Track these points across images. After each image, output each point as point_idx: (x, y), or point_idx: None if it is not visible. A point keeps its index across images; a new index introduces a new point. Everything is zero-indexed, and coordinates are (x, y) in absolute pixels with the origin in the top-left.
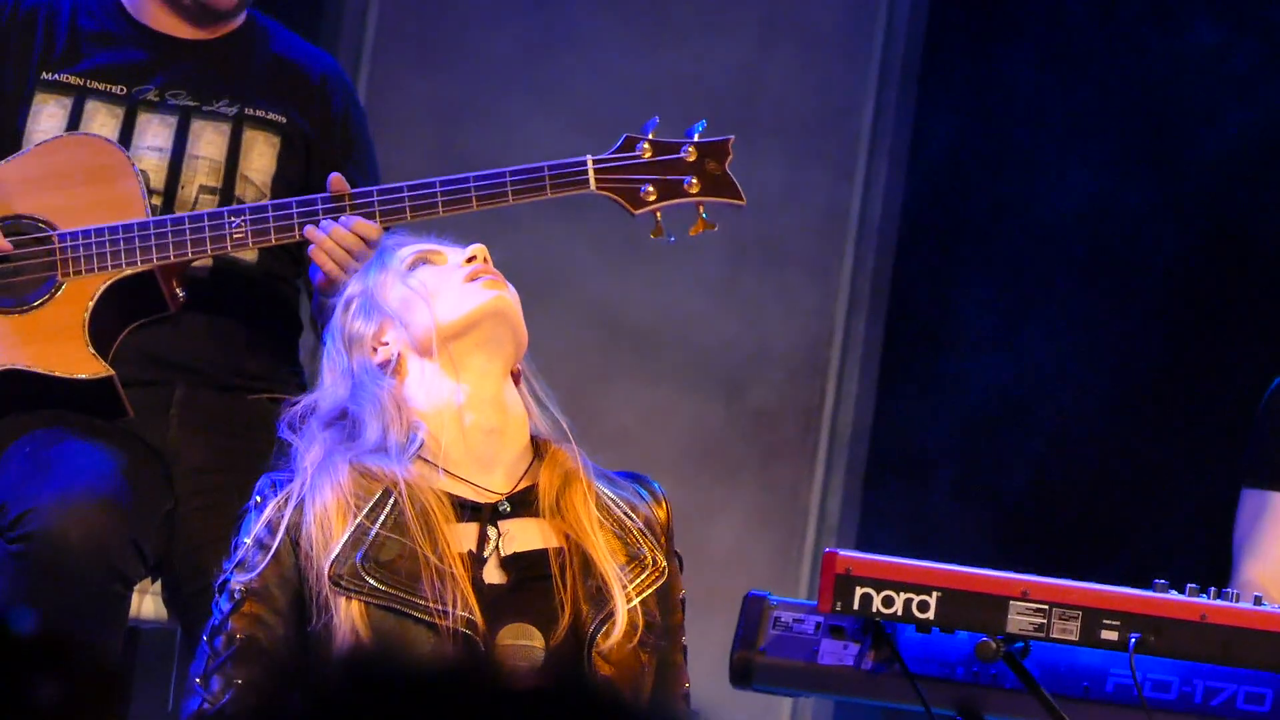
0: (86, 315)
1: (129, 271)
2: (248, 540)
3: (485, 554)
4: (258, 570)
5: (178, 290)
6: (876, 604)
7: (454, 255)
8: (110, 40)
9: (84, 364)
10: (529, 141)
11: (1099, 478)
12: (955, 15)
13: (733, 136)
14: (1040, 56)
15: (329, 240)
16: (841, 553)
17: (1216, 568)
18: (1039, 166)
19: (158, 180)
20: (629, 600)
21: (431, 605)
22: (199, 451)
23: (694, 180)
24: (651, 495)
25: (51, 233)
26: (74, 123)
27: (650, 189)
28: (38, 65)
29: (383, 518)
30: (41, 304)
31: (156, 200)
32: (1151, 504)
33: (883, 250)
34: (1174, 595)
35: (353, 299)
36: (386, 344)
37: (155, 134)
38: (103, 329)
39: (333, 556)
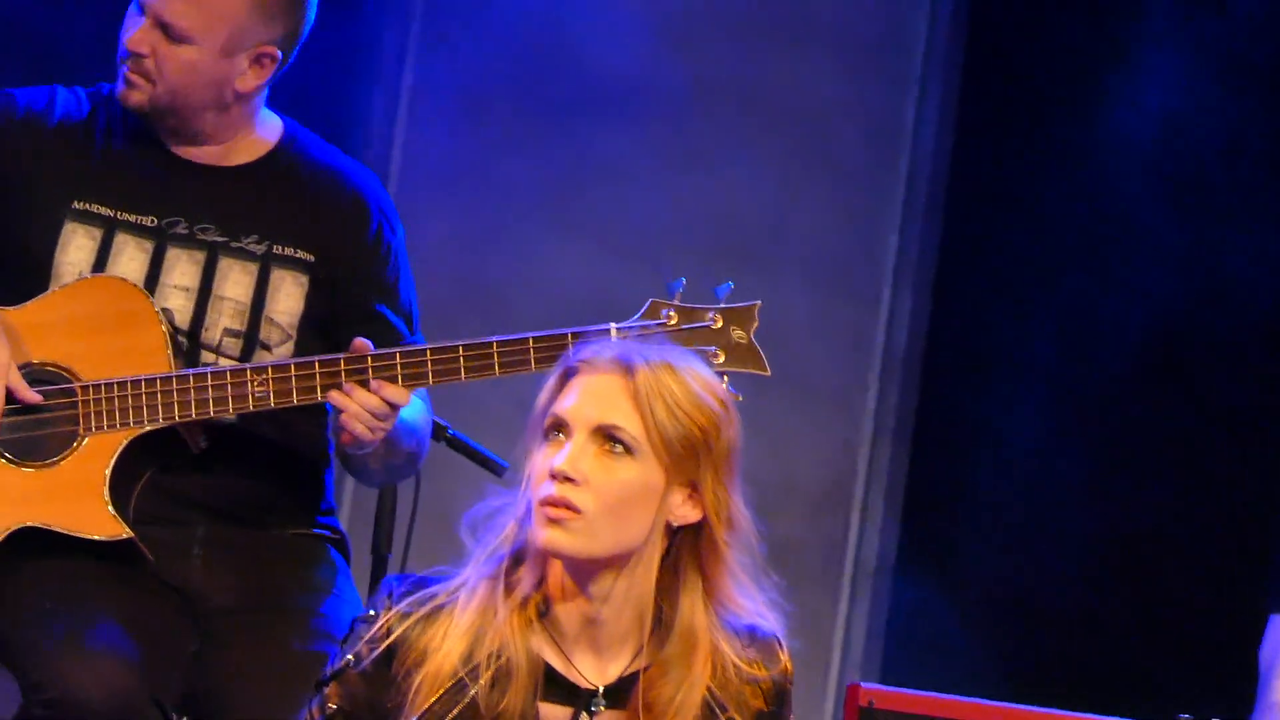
0: (108, 472)
1: (151, 428)
2: (351, 655)
3: None
4: (352, 686)
5: (200, 440)
6: None
7: (575, 435)
8: (141, 165)
9: (104, 525)
10: (553, 270)
11: (1128, 609)
12: (979, 146)
13: (759, 302)
14: (1065, 188)
15: (354, 404)
16: (865, 685)
17: (1241, 703)
18: (1063, 294)
19: (183, 320)
20: None
21: None
22: (226, 593)
23: (718, 351)
24: (775, 675)
25: (74, 384)
26: (103, 255)
27: None
28: (70, 189)
29: (482, 681)
30: (63, 459)
31: (181, 339)
32: (1181, 637)
33: (908, 381)
34: None
35: (551, 389)
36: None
37: (183, 272)
38: (123, 482)
39: (426, 707)
